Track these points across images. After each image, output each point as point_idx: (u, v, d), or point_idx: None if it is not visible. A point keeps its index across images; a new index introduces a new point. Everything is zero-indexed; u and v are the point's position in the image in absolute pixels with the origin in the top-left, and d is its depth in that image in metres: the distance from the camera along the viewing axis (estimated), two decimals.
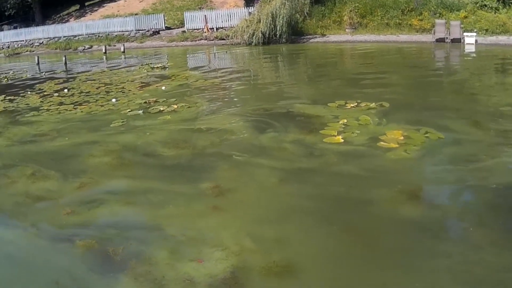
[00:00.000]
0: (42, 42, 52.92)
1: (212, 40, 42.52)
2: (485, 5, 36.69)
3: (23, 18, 61.83)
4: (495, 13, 35.91)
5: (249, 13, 42.07)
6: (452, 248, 7.05)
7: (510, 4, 36.15)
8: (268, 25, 37.53)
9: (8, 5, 61.57)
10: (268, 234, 7.68)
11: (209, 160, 11.23)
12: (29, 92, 22.82)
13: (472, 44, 31.37)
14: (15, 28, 58.42)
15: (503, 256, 6.80)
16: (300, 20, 40.24)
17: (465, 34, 32.47)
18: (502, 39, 32.45)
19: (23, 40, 54.33)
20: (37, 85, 25.13)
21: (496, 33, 33.67)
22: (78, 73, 29.64)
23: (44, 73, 31.75)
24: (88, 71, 30.07)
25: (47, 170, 11.29)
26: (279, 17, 37.48)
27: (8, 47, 54.21)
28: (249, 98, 18.74)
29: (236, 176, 10.20)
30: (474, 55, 28.81)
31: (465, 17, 35.82)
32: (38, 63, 37.93)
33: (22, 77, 30.42)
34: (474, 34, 32.24)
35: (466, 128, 12.61)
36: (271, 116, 14.61)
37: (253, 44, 37.53)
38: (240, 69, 28.44)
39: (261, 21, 37.96)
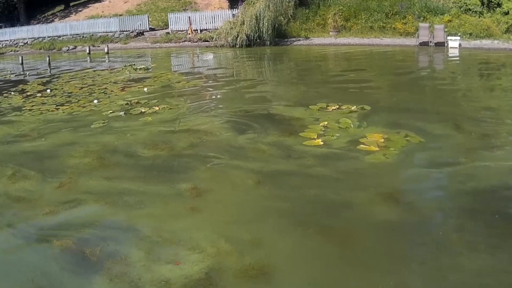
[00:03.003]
0: (27, 42, 52.73)
1: (196, 42, 42.53)
2: (469, 9, 36.92)
3: (8, 18, 61.56)
4: (479, 17, 36.15)
5: (233, 15, 42.10)
6: (427, 252, 7.15)
7: (494, 9, 36.38)
8: (252, 27, 37.55)
9: None
10: (244, 236, 7.75)
11: (188, 161, 11.29)
12: (12, 92, 22.75)
13: (456, 48, 31.58)
14: None
15: (479, 260, 6.91)
16: (284, 23, 40.30)
17: (448, 38, 32.68)
18: (486, 43, 32.68)
19: (7, 40, 54.10)
20: (20, 85, 25.04)
21: (480, 37, 33.90)
22: (62, 73, 29.54)
23: (27, 73, 31.61)
24: (71, 72, 29.99)
25: (27, 170, 11.30)
26: (263, 20, 37.50)
27: None
28: (230, 99, 18.82)
29: (214, 178, 10.27)
30: (458, 58, 29.05)
31: (449, 21, 36.03)
32: (22, 63, 37.76)
33: (5, 77, 30.34)
34: (458, 38, 32.45)
35: (446, 131, 12.74)
36: (251, 118, 14.70)
37: (237, 46, 37.56)
38: (223, 71, 28.46)
39: (245, 23, 38.00)
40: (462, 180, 9.64)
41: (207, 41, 41.60)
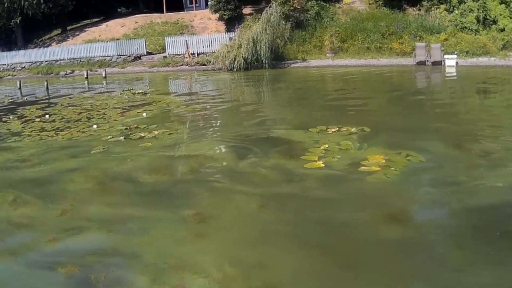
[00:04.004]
0: (24, 66, 52.80)
1: (194, 65, 42.60)
2: (465, 27, 37.23)
3: (5, 42, 61.68)
4: (475, 35, 36.46)
5: (230, 38, 42.27)
6: (431, 270, 7.17)
7: (490, 26, 36.67)
8: (250, 50, 37.67)
9: None
10: (249, 259, 7.75)
11: (190, 186, 11.28)
12: (10, 117, 22.75)
13: (453, 66, 31.82)
14: None
15: (482, 277, 6.95)
16: (281, 45, 40.48)
17: (445, 56, 32.91)
18: (483, 60, 32.94)
19: (5, 64, 54.15)
20: (19, 110, 25.07)
21: (476, 55, 34.19)
22: (60, 98, 29.58)
23: (26, 98, 31.71)
24: (69, 97, 30.03)
25: (29, 196, 11.27)
26: (260, 43, 37.63)
27: None
28: (230, 124, 18.81)
29: (217, 203, 10.26)
30: (455, 77, 29.24)
31: (446, 39, 36.28)
32: (20, 88, 37.80)
33: (4, 101, 30.32)
34: (455, 56, 32.69)
35: (446, 150, 12.87)
36: (252, 142, 14.73)
37: (234, 69, 37.64)
38: (221, 95, 28.51)
39: (242, 46, 38.11)
40: (463, 198, 9.69)
41: (205, 64, 41.68)
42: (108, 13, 66.06)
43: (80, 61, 49.97)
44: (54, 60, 51.50)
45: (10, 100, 30.91)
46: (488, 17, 37.11)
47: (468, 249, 7.65)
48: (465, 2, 38.71)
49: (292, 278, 7.28)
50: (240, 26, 43.06)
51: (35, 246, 8.82)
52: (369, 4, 45.50)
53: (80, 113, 22.42)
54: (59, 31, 63.40)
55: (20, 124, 20.72)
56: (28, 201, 11.04)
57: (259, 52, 37.70)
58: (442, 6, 40.56)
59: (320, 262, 7.62)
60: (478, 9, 37.22)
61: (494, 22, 37.14)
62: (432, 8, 41.32)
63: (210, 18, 51.84)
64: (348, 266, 7.50)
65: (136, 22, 56.90)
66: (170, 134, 16.41)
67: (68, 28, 63.59)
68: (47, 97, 31.63)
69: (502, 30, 36.44)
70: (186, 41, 45.44)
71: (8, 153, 15.72)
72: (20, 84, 38.56)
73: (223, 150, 14.19)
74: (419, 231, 8.53)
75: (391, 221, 8.80)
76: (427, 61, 33.85)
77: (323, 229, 8.72)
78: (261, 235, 8.63)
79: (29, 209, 10.61)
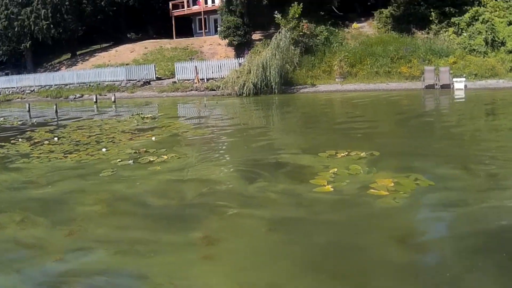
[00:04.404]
0: (33, 89, 53.25)
1: (203, 91, 42.82)
2: (474, 50, 37.46)
3: (15, 65, 62.24)
4: (483, 57, 36.67)
5: (240, 64, 42.50)
6: None
7: (498, 48, 36.79)
8: (259, 75, 37.91)
9: (0, 52, 61.98)
10: (258, 282, 7.64)
11: (199, 210, 11.20)
12: (19, 139, 22.78)
13: (462, 89, 32.00)
14: (6, 74, 58.80)
15: None
16: (290, 70, 40.76)
17: (454, 79, 33.11)
18: (491, 82, 33.13)
19: (14, 87, 54.68)
20: (28, 132, 25.17)
21: (485, 77, 34.44)
22: (69, 121, 29.69)
23: (35, 120, 31.83)
24: (78, 120, 30.15)
25: (36, 217, 11.24)
26: (270, 68, 37.85)
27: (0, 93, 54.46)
28: (239, 148, 18.80)
29: (226, 226, 10.18)
30: (464, 100, 29.35)
31: (454, 62, 36.50)
32: (29, 110, 38.01)
33: (13, 124, 30.46)
34: (463, 79, 32.87)
35: (455, 173, 12.82)
36: (261, 167, 14.66)
37: (244, 95, 37.87)
38: (231, 120, 28.58)
39: (252, 72, 38.33)
40: (472, 221, 9.62)
41: (214, 90, 41.92)
42: (117, 39, 66.61)
43: (90, 85, 50.37)
44: (64, 84, 51.97)
45: (19, 123, 31.03)
46: (496, 38, 37.30)
47: (478, 272, 7.56)
48: (473, 25, 38.98)
49: None
50: (249, 51, 43.26)
51: (42, 265, 8.75)
52: (378, 28, 45.81)
53: (89, 136, 22.46)
54: (68, 55, 63.94)
55: (29, 146, 20.75)
56: (36, 222, 11.00)
57: (268, 77, 37.91)
58: (451, 29, 40.79)
59: (329, 285, 7.53)
60: (486, 31, 37.45)
61: (503, 43, 37.31)
62: (441, 31, 41.60)
63: (219, 44, 52.18)
64: None
65: (145, 48, 57.33)
66: (179, 158, 16.37)
67: (78, 52, 64.12)
68: (56, 120, 31.75)
69: (511, 51, 36.58)
70: (196, 66, 45.72)
71: (16, 174, 15.73)
72: (29, 107, 38.84)
73: (232, 174, 14.14)
74: (428, 254, 8.45)
75: (399, 245, 8.72)
76: (436, 84, 34.00)
77: (332, 252, 8.63)
78: (270, 259, 8.55)
79: (36, 229, 10.56)
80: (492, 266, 7.69)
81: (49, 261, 8.85)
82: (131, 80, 49.27)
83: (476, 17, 39.72)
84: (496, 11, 39.97)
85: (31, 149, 19.83)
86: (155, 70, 49.72)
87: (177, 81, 46.84)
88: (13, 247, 9.77)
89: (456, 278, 7.39)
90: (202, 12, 61.30)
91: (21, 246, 9.79)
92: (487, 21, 38.38)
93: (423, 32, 43.36)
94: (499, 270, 7.56)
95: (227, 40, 49.63)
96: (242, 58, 43.50)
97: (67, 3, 60.02)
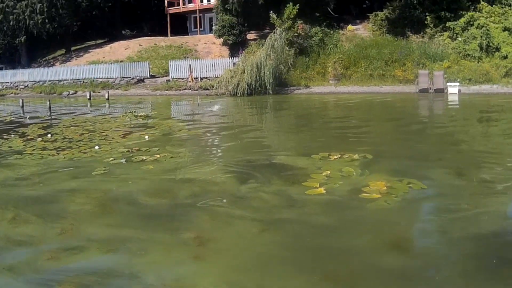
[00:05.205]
0: (27, 85, 53.12)
1: (197, 90, 42.81)
2: (468, 55, 37.54)
3: (9, 60, 62.06)
4: (478, 62, 36.71)
5: (234, 63, 42.48)
6: None
7: (493, 53, 36.88)
8: (253, 76, 37.91)
9: None
10: (249, 283, 7.70)
11: (191, 210, 11.23)
12: (12, 135, 22.78)
13: (456, 93, 32.11)
14: (0, 69, 58.59)
15: None
16: (284, 71, 40.75)
17: (448, 84, 33.21)
18: (485, 88, 33.24)
19: (8, 82, 54.51)
20: (21, 129, 25.16)
21: (479, 82, 34.50)
22: (62, 118, 29.69)
23: (28, 116, 31.81)
24: (72, 117, 30.15)
25: (28, 215, 11.24)
26: (264, 68, 37.85)
27: None
28: (232, 149, 18.83)
29: (217, 226, 10.21)
30: (457, 104, 29.48)
31: (449, 67, 36.58)
32: (22, 106, 37.96)
33: (6, 119, 30.41)
34: (457, 84, 32.97)
35: (448, 177, 12.91)
36: (253, 168, 14.71)
37: (238, 94, 37.84)
38: (224, 120, 28.63)
39: (246, 72, 38.32)
40: (463, 226, 9.65)
41: (208, 89, 41.90)
42: (112, 35, 66.56)
43: (83, 82, 50.28)
44: (58, 80, 51.83)
45: (13, 118, 30.98)
46: (491, 44, 37.38)
47: (469, 277, 7.61)
48: (468, 30, 39.03)
49: None
50: (244, 51, 43.25)
51: (34, 264, 8.75)
52: (373, 31, 45.86)
53: (82, 133, 22.48)
54: (63, 51, 63.80)
55: (22, 142, 20.74)
56: (28, 219, 11.00)
57: (262, 78, 37.93)
58: (446, 34, 40.88)
59: None
60: (481, 36, 37.52)
61: (497, 49, 37.40)
62: (436, 36, 41.66)
63: (214, 43, 52.17)
64: None
65: (140, 45, 57.23)
66: (171, 157, 16.39)
67: (72, 48, 63.97)
68: (49, 116, 31.71)
69: (505, 57, 36.67)
70: (190, 65, 45.70)
71: (8, 171, 15.71)
72: (22, 103, 38.78)
73: (225, 174, 14.15)
74: (419, 258, 8.49)
75: (391, 248, 8.78)
76: (430, 88, 34.11)
77: (323, 255, 8.66)
78: (261, 260, 8.59)
79: (28, 227, 10.56)
80: (482, 271, 7.76)
81: (41, 259, 8.86)
82: (125, 77, 49.21)
83: (471, 22, 39.80)
84: (491, 16, 40.08)
85: (24, 146, 19.83)
86: (149, 68, 49.68)
87: (171, 79, 46.83)
88: (5, 244, 9.76)
89: (446, 283, 7.44)
90: (198, 10, 61.28)
91: (12, 244, 9.80)
92: (482, 26, 38.46)
93: (418, 35, 43.41)
94: (492, 276, 7.62)
95: (222, 39, 49.62)
96: (237, 58, 43.51)
97: None
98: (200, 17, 61.72)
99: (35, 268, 8.60)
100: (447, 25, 41.39)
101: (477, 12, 40.78)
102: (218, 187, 12.93)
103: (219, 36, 49.31)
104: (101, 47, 61.27)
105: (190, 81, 45.07)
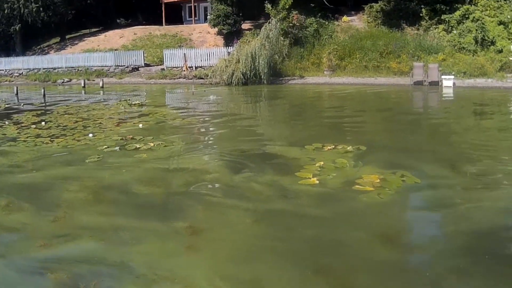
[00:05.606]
0: (22, 73, 52.94)
1: (191, 79, 42.70)
2: (464, 48, 37.53)
3: (4, 48, 61.82)
4: (473, 56, 36.72)
5: (229, 53, 42.44)
6: None
7: (488, 47, 36.88)
8: (248, 65, 37.89)
9: None
10: (241, 274, 7.70)
11: (184, 199, 11.25)
12: (6, 123, 22.73)
13: (450, 86, 32.07)
14: None
15: None
16: (279, 61, 40.74)
17: (443, 76, 33.18)
18: (480, 81, 33.22)
19: (2, 70, 54.34)
20: (15, 116, 25.10)
21: (474, 76, 34.47)
22: (56, 106, 29.64)
23: (22, 104, 31.73)
24: (66, 105, 30.09)
25: (22, 202, 11.21)
26: (258, 58, 37.82)
27: None
28: (225, 138, 18.85)
29: (210, 216, 10.23)
30: (452, 97, 29.48)
31: (443, 59, 36.56)
32: (17, 94, 37.88)
33: (0, 106, 30.32)
34: (452, 77, 32.93)
35: (442, 171, 12.86)
36: (247, 157, 14.75)
37: (232, 84, 37.78)
38: (218, 109, 28.59)
39: (241, 61, 38.31)
40: (457, 220, 9.67)
41: (202, 78, 41.82)
42: (107, 24, 66.35)
43: (78, 70, 50.15)
44: (52, 68, 51.68)
45: (7, 106, 30.91)
46: (486, 38, 37.36)
47: (461, 272, 7.63)
48: (463, 23, 39.01)
49: None
50: (238, 41, 43.19)
51: (26, 251, 8.75)
52: (368, 22, 45.79)
53: (76, 121, 22.46)
54: (57, 39, 63.60)
55: (16, 129, 20.72)
56: (21, 207, 10.98)
57: (257, 68, 37.89)
58: (441, 26, 40.85)
59: (311, 280, 7.54)
60: (476, 30, 37.50)
61: (492, 43, 37.40)
62: (431, 28, 41.62)
63: (209, 32, 52.04)
64: (339, 285, 7.45)
65: (135, 34, 57.09)
66: (165, 146, 16.39)
67: (67, 37, 63.79)
68: (43, 104, 31.67)
69: (500, 51, 36.67)
70: (185, 54, 45.62)
71: (2, 158, 15.68)
72: (17, 90, 38.71)
73: (218, 164, 14.17)
74: (411, 252, 8.52)
75: (383, 242, 8.77)
76: (425, 81, 34.09)
77: (316, 247, 8.67)
78: (253, 251, 8.60)
79: (21, 215, 10.54)
80: (474, 266, 7.77)
81: (33, 246, 8.86)
82: (119, 65, 49.10)
83: (466, 16, 39.78)
84: (487, 10, 40.06)
85: (18, 133, 19.81)
86: (143, 56, 49.58)
87: (165, 68, 46.73)
88: None
89: (438, 278, 7.45)
90: (193, 0, 61.08)
91: (5, 231, 9.80)
92: (478, 19, 38.43)
93: (413, 28, 43.36)
94: (484, 270, 7.63)
95: (216, 29, 49.52)
96: (231, 47, 43.41)
97: None
98: (195, 6, 61.45)
99: (27, 256, 8.61)
100: (442, 18, 41.33)
101: (472, 6, 40.75)
102: (212, 177, 12.94)
103: (214, 26, 49.20)
104: (96, 36, 61.11)
105: (184, 70, 44.99)
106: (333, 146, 15.08)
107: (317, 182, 11.79)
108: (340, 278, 7.60)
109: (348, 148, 14.87)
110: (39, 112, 26.72)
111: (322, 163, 13.29)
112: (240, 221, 9.90)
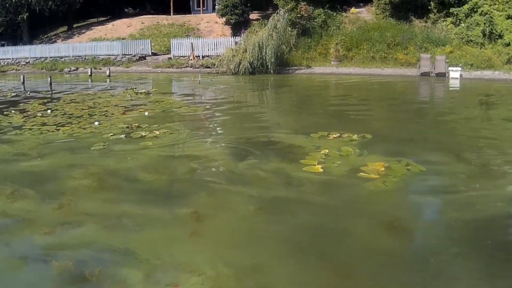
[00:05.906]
0: (29, 61, 52.88)
1: (198, 68, 42.64)
2: (471, 41, 37.35)
3: (11, 36, 61.73)
4: (480, 48, 36.56)
5: (236, 42, 42.33)
6: (427, 280, 7.12)
7: (495, 40, 36.73)
8: (255, 55, 37.82)
9: None
10: (244, 260, 7.73)
11: (189, 186, 11.28)
12: (12, 111, 22.71)
13: (457, 78, 31.96)
14: (2, 45, 58.42)
15: None
16: (286, 51, 40.59)
17: (450, 68, 33.04)
18: (487, 74, 33.08)
19: (9, 58, 54.27)
20: (21, 104, 25.09)
21: (481, 68, 34.33)
22: (63, 94, 29.63)
23: (29, 92, 31.73)
24: (72, 93, 30.11)
25: (27, 190, 11.22)
26: (266, 48, 37.72)
27: None
28: (231, 126, 18.88)
29: (214, 203, 10.25)
30: (458, 89, 29.39)
31: (451, 52, 36.40)
32: (23, 82, 37.84)
33: (6, 95, 30.34)
34: (459, 68, 32.81)
35: (447, 160, 12.88)
36: (252, 145, 14.74)
37: (239, 73, 37.75)
38: (224, 97, 28.51)
39: (248, 51, 38.22)
40: (461, 208, 9.69)
41: (209, 67, 41.74)
42: (114, 13, 66.21)
43: (85, 58, 50.04)
44: (59, 57, 51.58)
45: (13, 94, 30.91)
46: (494, 31, 37.15)
47: (465, 260, 7.64)
48: (472, 16, 38.78)
49: (286, 282, 7.23)
50: (246, 30, 43.12)
51: (31, 238, 8.79)
52: (376, 14, 45.47)
53: (82, 109, 22.44)
54: (65, 28, 63.49)
55: (22, 118, 20.69)
56: (26, 195, 10.99)
57: (264, 57, 37.80)
58: (449, 19, 40.59)
59: (315, 267, 7.56)
60: (484, 23, 37.29)
61: (500, 36, 37.19)
62: (439, 21, 41.33)
63: (216, 22, 51.90)
64: (342, 273, 7.43)
65: (142, 23, 56.95)
66: (171, 133, 16.40)
67: (74, 25, 63.69)
68: (50, 92, 31.67)
69: (508, 44, 36.48)
70: (192, 43, 45.50)
71: (8, 146, 15.69)
72: (23, 79, 38.65)
73: (223, 151, 14.22)
74: (415, 240, 8.53)
75: (387, 230, 8.78)
76: (431, 72, 33.99)
77: (319, 234, 8.68)
78: (257, 238, 8.62)
79: (26, 202, 10.56)
80: (481, 254, 7.77)
81: (38, 234, 8.89)
82: (126, 54, 48.99)
83: (475, 9, 39.52)
84: (495, 4, 39.79)
85: (23, 121, 19.78)
86: (151, 45, 49.46)
87: (172, 57, 46.61)
88: (2, 219, 9.80)
89: (441, 264, 7.45)
90: None
91: (10, 219, 9.83)
92: (486, 13, 38.20)
93: (421, 20, 43.04)
94: (488, 258, 7.64)
95: (224, 19, 49.37)
96: (239, 37, 43.31)
97: None
98: None
99: (32, 243, 8.65)
100: (450, 11, 41.07)
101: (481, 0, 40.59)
102: (216, 164, 12.98)
103: (222, 16, 49.07)
104: (103, 25, 60.96)
105: (191, 59, 44.89)
106: (339, 135, 15.07)
107: (322, 169, 11.78)
108: (342, 266, 7.60)
109: (354, 136, 14.86)
110: (45, 100, 26.66)
111: (327, 151, 13.28)
112: (244, 208, 9.90)
